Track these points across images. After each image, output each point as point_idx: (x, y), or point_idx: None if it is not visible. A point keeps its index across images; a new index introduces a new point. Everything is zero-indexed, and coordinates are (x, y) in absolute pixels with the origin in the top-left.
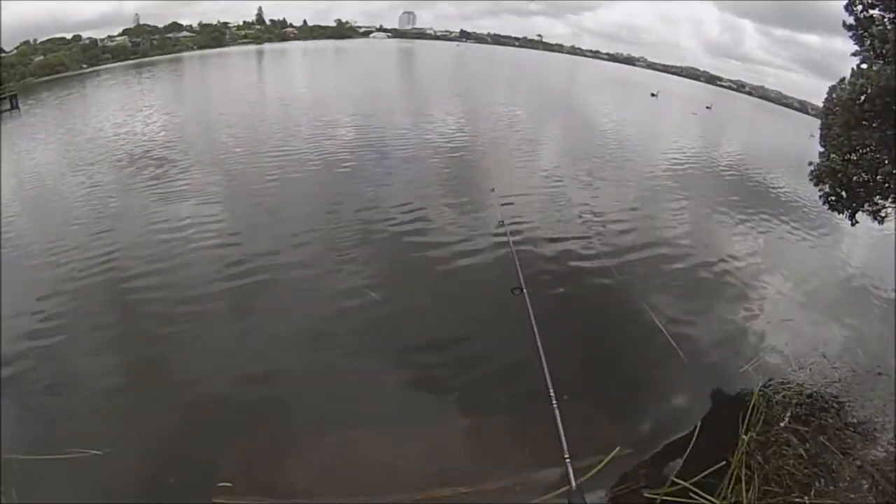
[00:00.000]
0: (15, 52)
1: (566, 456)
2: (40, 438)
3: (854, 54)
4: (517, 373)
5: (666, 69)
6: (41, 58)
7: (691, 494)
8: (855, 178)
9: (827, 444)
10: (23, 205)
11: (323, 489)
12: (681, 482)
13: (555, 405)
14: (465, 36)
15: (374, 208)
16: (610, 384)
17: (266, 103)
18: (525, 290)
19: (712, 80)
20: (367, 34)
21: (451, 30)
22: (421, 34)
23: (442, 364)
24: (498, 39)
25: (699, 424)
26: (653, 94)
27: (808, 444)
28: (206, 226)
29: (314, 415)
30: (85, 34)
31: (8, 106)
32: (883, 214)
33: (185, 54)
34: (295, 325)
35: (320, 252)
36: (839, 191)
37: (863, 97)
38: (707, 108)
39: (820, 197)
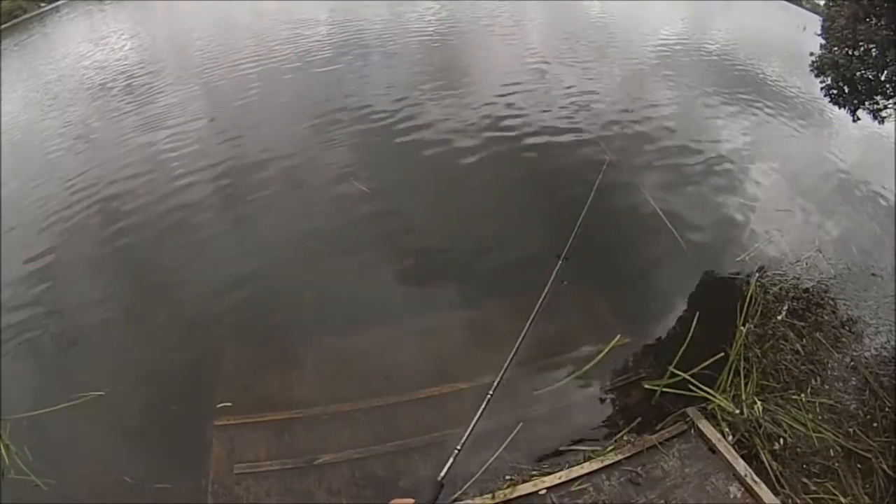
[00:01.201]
0: None
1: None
2: (42, 391)
3: None
4: (518, 262)
5: None
6: None
7: (690, 386)
8: (858, 73)
9: (822, 341)
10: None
11: (323, 398)
12: (680, 373)
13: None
14: None
15: (357, 97)
16: (607, 269)
17: (234, 11)
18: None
19: None
20: None
21: None
22: None
23: (439, 256)
24: None
25: (697, 314)
26: None
27: (804, 340)
28: (189, 135)
29: (310, 321)
30: None
31: None
32: (884, 115)
33: None
34: (288, 228)
35: (308, 149)
36: (841, 85)
37: None
38: None
39: (821, 89)
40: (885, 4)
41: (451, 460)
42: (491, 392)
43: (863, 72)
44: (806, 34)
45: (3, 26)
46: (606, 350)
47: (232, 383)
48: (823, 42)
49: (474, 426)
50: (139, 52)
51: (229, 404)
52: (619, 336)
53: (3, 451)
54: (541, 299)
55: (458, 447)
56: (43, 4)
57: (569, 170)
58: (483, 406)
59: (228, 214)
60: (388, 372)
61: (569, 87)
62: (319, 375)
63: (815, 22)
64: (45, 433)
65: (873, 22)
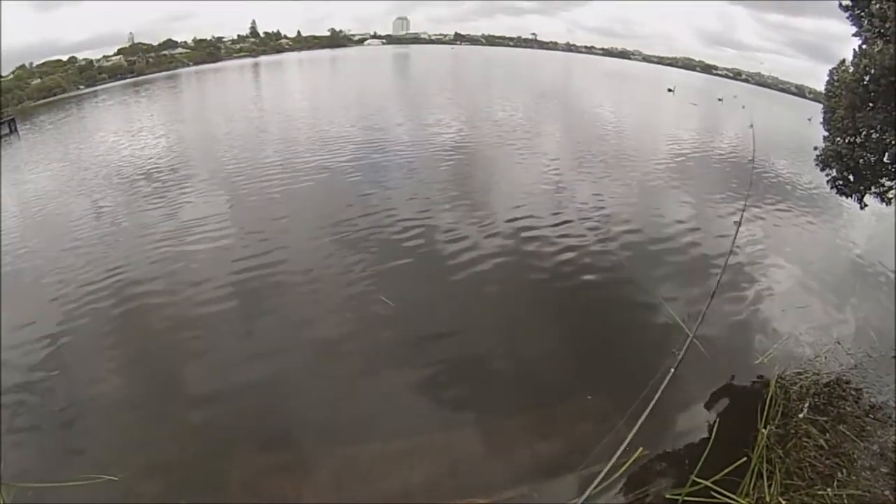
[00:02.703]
0: (11, 76)
1: None
2: (53, 463)
3: (855, 34)
4: (531, 375)
5: (661, 61)
6: (38, 81)
7: (713, 493)
8: (861, 160)
9: (846, 432)
10: (26, 229)
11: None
12: (702, 481)
13: None
14: (459, 38)
15: (378, 213)
16: (627, 380)
17: (265, 117)
18: None
19: (708, 69)
20: (361, 41)
21: (445, 33)
22: (415, 39)
23: (453, 370)
24: (492, 40)
25: (717, 419)
26: (669, 90)
27: (827, 434)
28: (211, 232)
29: (324, 428)
30: (80, 55)
31: (7, 130)
32: (890, 196)
33: (182, 70)
34: (304, 335)
35: (328, 260)
36: (846, 174)
37: (866, 78)
38: (718, 100)
39: (827, 181)
40: (881, 90)
41: None
42: None
43: (865, 157)
44: (812, 125)
45: (40, 101)
46: (627, 464)
47: (243, 483)
48: (826, 133)
49: None
50: (170, 149)
51: None
52: (640, 449)
53: None
54: None
55: None
56: (81, 87)
57: (587, 284)
58: None
59: (248, 316)
60: (404, 484)
61: (584, 203)
62: (333, 485)
63: (819, 112)
64: None
65: (871, 107)
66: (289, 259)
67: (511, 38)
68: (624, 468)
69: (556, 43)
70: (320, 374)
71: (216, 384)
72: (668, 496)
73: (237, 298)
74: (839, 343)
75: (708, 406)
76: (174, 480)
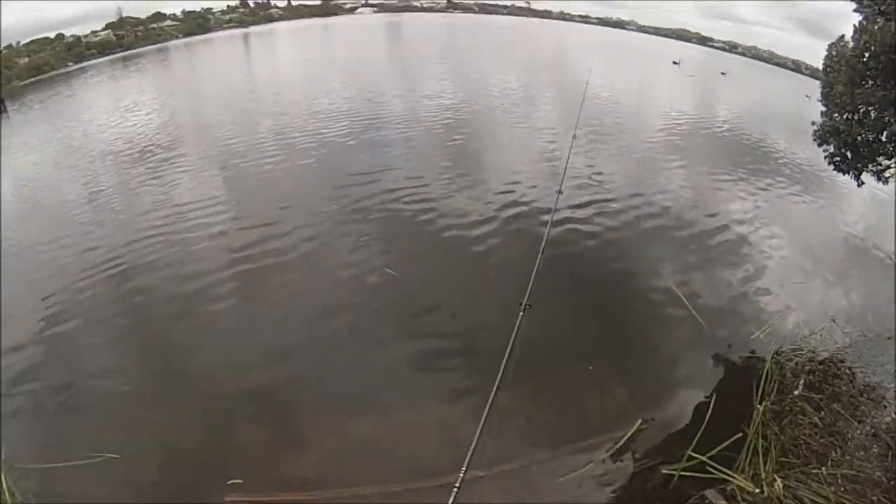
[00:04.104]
0: None
1: None
2: (55, 444)
3: (855, 10)
4: (531, 346)
5: (657, 31)
6: (26, 59)
7: (708, 468)
8: (859, 137)
9: (841, 411)
10: (20, 207)
11: (334, 480)
12: (698, 456)
13: None
14: (451, 6)
15: (377, 182)
16: (625, 351)
17: (258, 89)
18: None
19: (704, 41)
20: (353, 10)
21: (437, 1)
22: (407, 7)
23: (454, 342)
24: (485, 8)
25: (714, 394)
26: (675, 63)
27: (822, 413)
28: (208, 213)
29: (324, 401)
30: (68, 31)
31: None
32: (887, 175)
33: (171, 43)
34: (303, 307)
35: (327, 231)
36: (844, 151)
37: (866, 54)
38: (722, 73)
39: (825, 157)
40: (881, 66)
41: None
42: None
43: (864, 135)
44: (810, 102)
45: (29, 80)
46: (627, 436)
47: (244, 460)
48: (824, 109)
49: None
50: (163, 126)
51: (240, 481)
52: (639, 421)
53: (7, 497)
54: None
55: None
56: (70, 64)
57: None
58: None
59: (248, 292)
60: (407, 456)
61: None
62: (334, 457)
63: (818, 88)
64: (54, 487)
65: (870, 84)
66: (288, 234)
67: (504, 6)
68: (622, 441)
69: (549, 11)
70: (318, 348)
71: (214, 360)
72: (665, 471)
73: (237, 280)
74: (834, 321)
75: (706, 379)
76: (175, 458)
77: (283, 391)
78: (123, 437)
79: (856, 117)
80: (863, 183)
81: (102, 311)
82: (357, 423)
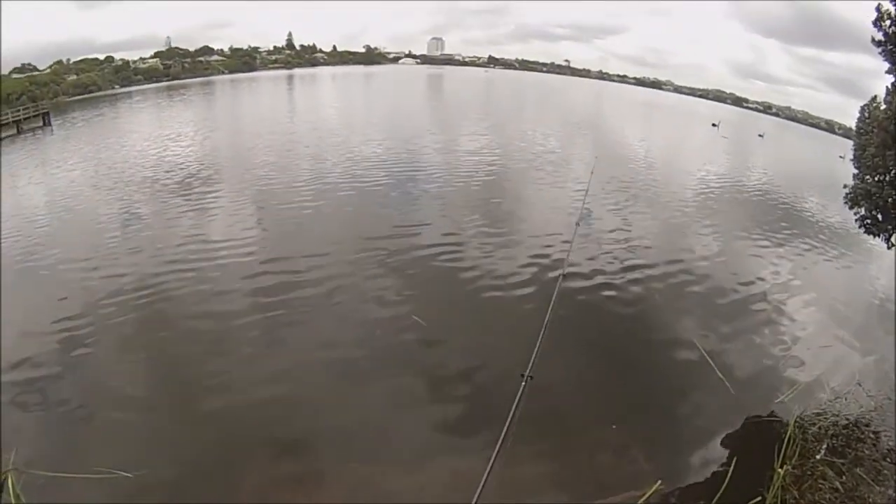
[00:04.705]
0: (48, 70)
1: None
2: (66, 454)
3: (888, 72)
4: (553, 403)
5: (692, 92)
6: (74, 77)
7: None
8: (890, 199)
9: (863, 475)
10: (52, 222)
11: None
12: None
13: None
14: (492, 62)
15: (406, 236)
16: (647, 412)
17: (298, 128)
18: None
19: (738, 101)
20: (395, 60)
21: (479, 55)
22: (449, 60)
23: (472, 396)
24: (525, 65)
25: (735, 458)
26: (714, 125)
27: (844, 477)
28: (242, 253)
29: (340, 443)
30: (117, 55)
31: (40, 123)
32: None
33: (217, 77)
34: (326, 351)
35: (358, 283)
36: (875, 214)
37: None
38: (759, 136)
39: (856, 220)
40: None
41: None
42: None
43: (895, 196)
44: (844, 163)
45: (75, 97)
46: (645, 497)
47: (256, 492)
48: (856, 171)
49: None
50: (203, 157)
51: None
52: (658, 482)
53: (13, 500)
54: None
55: None
56: (116, 87)
57: (618, 313)
58: None
59: (271, 328)
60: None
61: (613, 232)
62: (342, 499)
63: (850, 149)
64: (59, 496)
65: None
66: (315, 275)
67: (544, 64)
68: (641, 501)
69: (588, 70)
70: (338, 390)
71: (234, 392)
72: None
73: (261, 311)
74: (860, 385)
75: (727, 442)
76: (187, 485)
77: (299, 433)
78: (138, 456)
79: (887, 179)
80: (893, 244)
81: (123, 338)
82: (370, 467)
